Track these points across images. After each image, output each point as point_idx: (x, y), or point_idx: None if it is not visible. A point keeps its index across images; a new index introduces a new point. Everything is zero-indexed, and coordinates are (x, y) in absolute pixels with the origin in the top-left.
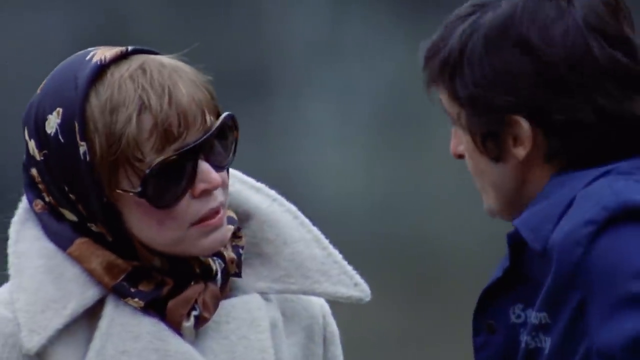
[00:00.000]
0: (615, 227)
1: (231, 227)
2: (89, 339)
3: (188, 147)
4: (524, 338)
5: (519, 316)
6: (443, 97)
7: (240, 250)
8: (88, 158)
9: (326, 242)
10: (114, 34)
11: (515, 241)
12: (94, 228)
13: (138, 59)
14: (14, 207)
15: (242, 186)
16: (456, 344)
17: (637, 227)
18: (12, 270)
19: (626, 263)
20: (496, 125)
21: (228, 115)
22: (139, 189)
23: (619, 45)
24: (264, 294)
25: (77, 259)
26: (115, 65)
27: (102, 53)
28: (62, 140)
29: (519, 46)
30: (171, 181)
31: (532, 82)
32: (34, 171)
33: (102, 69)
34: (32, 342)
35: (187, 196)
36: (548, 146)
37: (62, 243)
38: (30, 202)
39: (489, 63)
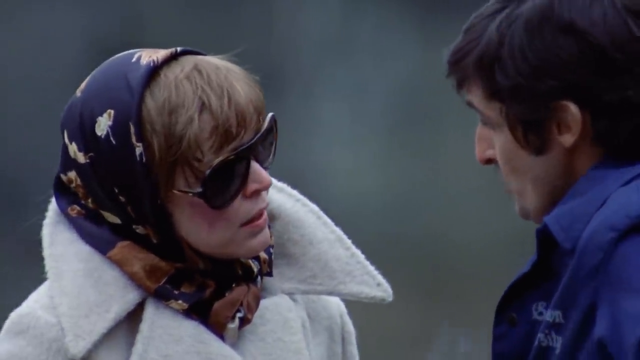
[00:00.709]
0: (633, 236)
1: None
2: (129, 343)
3: (244, 147)
4: (538, 335)
5: (540, 313)
6: (476, 98)
7: (271, 250)
8: (144, 159)
9: (349, 242)
10: (123, 34)
11: (545, 237)
12: (139, 230)
13: (189, 60)
14: (43, 209)
15: None
16: (469, 343)
17: None
18: (50, 273)
19: (636, 276)
20: (541, 112)
21: (272, 115)
22: (200, 189)
23: None
24: (290, 295)
25: (118, 262)
26: (167, 67)
27: (149, 54)
28: (114, 142)
29: (563, 30)
30: (227, 181)
31: (579, 65)
32: (71, 175)
33: (155, 70)
34: (78, 347)
35: (239, 197)
36: (596, 129)
37: (100, 246)
38: (61, 206)
39: (532, 50)
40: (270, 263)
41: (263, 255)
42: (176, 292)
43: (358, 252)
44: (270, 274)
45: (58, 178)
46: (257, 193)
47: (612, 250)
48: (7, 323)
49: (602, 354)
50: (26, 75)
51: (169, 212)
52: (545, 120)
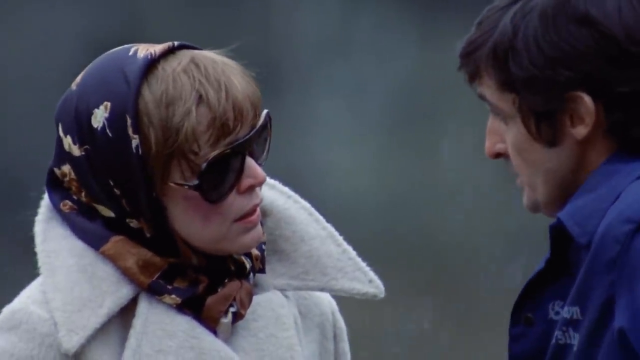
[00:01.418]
0: None
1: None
2: (123, 338)
3: (239, 141)
4: (555, 333)
5: (557, 313)
6: (489, 90)
7: (263, 247)
8: (140, 152)
9: (340, 238)
10: (122, 34)
11: (559, 234)
12: (133, 224)
13: (186, 54)
14: (35, 204)
15: None
16: (468, 342)
17: None
18: (43, 269)
19: None
20: (555, 103)
21: (267, 112)
22: (196, 182)
23: None
24: (282, 291)
25: (111, 258)
26: (164, 60)
27: (145, 48)
28: (110, 135)
29: (578, 21)
30: (223, 175)
31: (593, 56)
32: (65, 168)
33: (152, 63)
34: (72, 342)
35: (233, 192)
36: (609, 121)
37: (93, 242)
38: (54, 201)
39: (546, 40)
40: (262, 260)
41: (255, 252)
42: (169, 287)
43: (350, 249)
44: (262, 271)
45: (51, 173)
46: (251, 189)
47: (629, 243)
48: (0, 319)
49: (623, 345)
50: (25, 75)
51: (163, 205)
52: (558, 112)
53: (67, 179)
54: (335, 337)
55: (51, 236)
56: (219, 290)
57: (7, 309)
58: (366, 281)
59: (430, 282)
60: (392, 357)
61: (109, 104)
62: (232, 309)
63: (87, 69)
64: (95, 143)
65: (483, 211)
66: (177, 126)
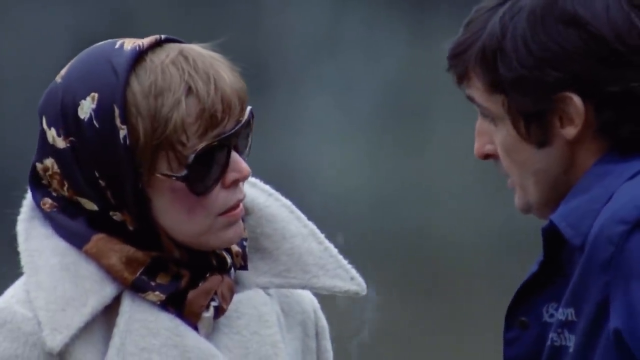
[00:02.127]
0: None
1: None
2: (107, 337)
3: (227, 134)
4: (550, 335)
5: (552, 315)
6: (477, 91)
7: (244, 243)
8: (128, 142)
9: (322, 236)
10: (114, 32)
11: (552, 236)
12: (116, 217)
13: (174, 47)
14: (18, 204)
15: None
16: (460, 340)
17: None
18: (26, 268)
19: None
20: (544, 104)
21: (251, 108)
22: (184, 173)
23: None
24: (265, 289)
25: (94, 256)
26: (152, 52)
27: (132, 41)
28: (97, 125)
29: (566, 21)
30: (209, 167)
31: (582, 56)
32: (48, 162)
33: (140, 55)
34: (55, 341)
35: (218, 186)
36: (599, 121)
37: (76, 241)
38: (36, 200)
39: (535, 41)
40: (244, 256)
41: (235, 248)
42: (153, 283)
43: (331, 246)
44: (244, 267)
45: (33, 170)
46: (235, 183)
47: (623, 243)
48: None
49: (619, 346)
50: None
51: (148, 197)
52: (547, 112)
53: (49, 173)
54: (317, 334)
55: (34, 235)
56: (200, 284)
57: None
58: (348, 279)
59: (422, 279)
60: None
61: (96, 95)
62: (213, 303)
63: (72, 62)
64: (82, 134)
65: (474, 208)
66: (166, 117)
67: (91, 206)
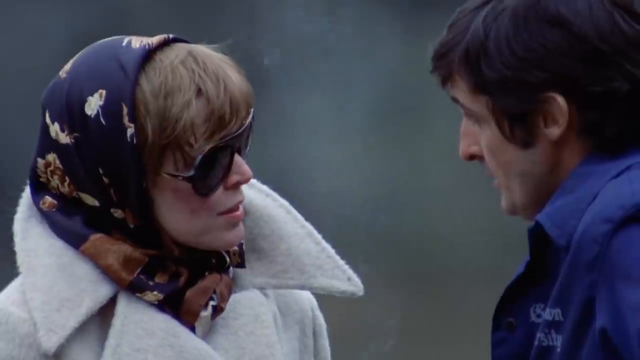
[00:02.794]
0: (629, 227)
1: None
2: (102, 337)
3: (232, 136)
4: (538, 335)
5: (539, 315)
6: (461, 93)
7: (242, 241)
8: (135, 141)
9: (319, 236)
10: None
11: (538, 236)
12: (117, 214)
13: (183, 47)
14: (15, 203)
15: None
16: (456, 338)
17: None
18: (22, 268)
19: (635, 266)
20: (528, 105)
21: (252, 110)
22: (192, 173)
23: (637, 18)
24: (262, 290)
25: (91, 256)
26: (161, 52)
27: (140, 40)
28: (104, 123)
29: (549, 21)
30: (214, 169)
31: (565, 56)
32: (50, 157)
33: (149, 54)
34: (51, 341)
35: (220, 187)
36: (583, 121)
37: (72, 241)
38: (35, 199)
39: (518, 41)
40: (241, 254)
41: (233, 247)
42: (151, 283)
43: (328, 247)
44: (241, 265)
45: (33, 169)
46: (237, 185)
47: (608, 242)
48: None
49: (606, 345)
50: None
51: (151, 196)
52: (531, 113)
53: (50, 168)
54: (315, 333)
55: (31, 234)
56: (199, 282)
57: None
58: (345, 279)
59: (418, 278)
60: (374, 354)
61: (104, 91)
62: (212, 302)
63: (77, 57)
64: (87, 131)
65: (470, 207)
66: (176, 117)
67: (92, 202)
